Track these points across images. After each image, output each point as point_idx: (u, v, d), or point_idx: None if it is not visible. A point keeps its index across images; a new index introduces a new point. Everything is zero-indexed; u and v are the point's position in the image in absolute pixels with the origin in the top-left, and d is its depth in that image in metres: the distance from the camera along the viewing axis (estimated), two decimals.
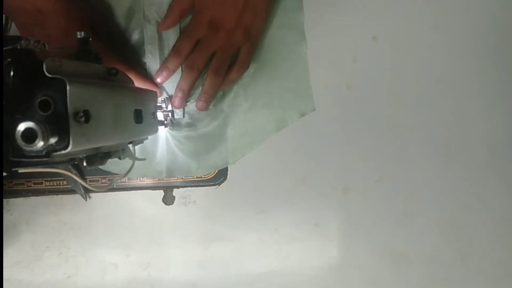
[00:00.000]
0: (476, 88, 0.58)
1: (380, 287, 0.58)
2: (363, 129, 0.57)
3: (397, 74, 0.57)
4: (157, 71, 0.52)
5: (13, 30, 0.52)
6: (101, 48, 0.45)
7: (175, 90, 0.52)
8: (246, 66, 0.53)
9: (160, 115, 0.52)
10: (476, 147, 0.58)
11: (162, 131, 0.54)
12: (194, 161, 0.55)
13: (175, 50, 0.51)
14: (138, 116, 0.40)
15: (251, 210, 0.57)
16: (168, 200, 0.56)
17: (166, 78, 0.51)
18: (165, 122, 0.52)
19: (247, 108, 0.55)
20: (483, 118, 0.58)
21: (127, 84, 0.42)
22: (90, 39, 0.37)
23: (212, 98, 0.53)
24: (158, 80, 0.51)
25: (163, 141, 0.54)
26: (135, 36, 0.53)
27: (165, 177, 0.55)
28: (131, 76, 0.45)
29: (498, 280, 0.59)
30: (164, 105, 0.53)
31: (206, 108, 0.53)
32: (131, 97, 0.40)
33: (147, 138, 0.49)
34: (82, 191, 0.54)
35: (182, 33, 0.51)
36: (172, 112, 0.53)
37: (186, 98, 0.52)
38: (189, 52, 0.51)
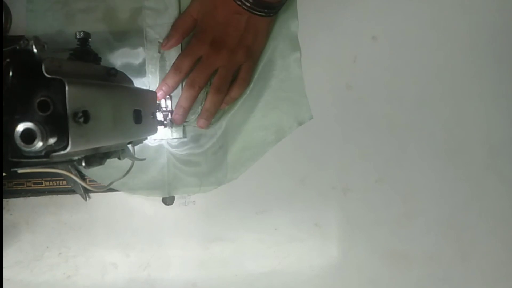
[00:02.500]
0: (476, 88, 0.58)
1: (380, 287, 0.58)
2: (363, 129, 0.57)
3: (397, 74, 0.57)
4: (158, 87, 0.52)
5: (13, 30, 0.52)
6: None
7: (176, 107, 0.52)
8: (247, 83, 0.54)
9: (159, 115, 0.52)
10: (476, 147, 0.58)
11: (163, 149, 0.55)
12: (196, 179, 0.55)
13: (175, 67, 0.51)
14: (138, 116, 0.40)
15: (251, 210, 0.57)
16: (168, 200, 0.56)
17: (166, 94, 0.52)
18: (165, 122, 0.52)
19: (246, 121, 0.55)
20: (483, 118, 0.58)
21: (127, 84, 0.42)
22: (90, 39, 0.37)
23: (213, 115, 0.53)
24: (158, 96, 0.52)
25: (164, 159, 0.55)
26: (136, 56, 0.53)
27: (167, 195, 0.55)
28: None
29: (498, 280, 0.59)
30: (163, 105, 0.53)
31: (207, 125, 0.53)
32: (131, 97, 0.40)
33: (146, 138, 0.49)
34: (82, 191, 0.54)
35: (183, 50, 0.52)
36: (172, 112, 0.53)
37: (186, 115, 0.52)
38: (189, 70, 0.51)
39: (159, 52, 0.52)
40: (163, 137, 0.54)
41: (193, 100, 0.51)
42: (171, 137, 0.54)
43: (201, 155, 0.55)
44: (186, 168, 0.55)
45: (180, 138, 0.54)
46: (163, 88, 0.51)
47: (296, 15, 0.55)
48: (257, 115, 0.55)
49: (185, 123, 0.54)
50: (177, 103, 0.52)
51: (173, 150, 0.55)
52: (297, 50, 0.55)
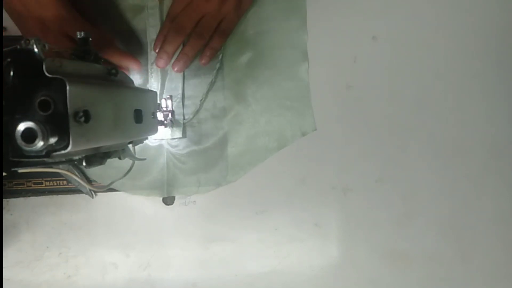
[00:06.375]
0: (476, 88, 0.58)
1: (380, 287, 0.58)
2: (363, 129, 0.57)
3: (397, 74, 0.57)
4: (155, 40, 0.52)
5: (13, 30, 0.52)
6: (82, 22, 0.46)
7: (159, 52, 0.51)
8: (227, 35, 0.53)
9: (160, 115, 0.52)
10: (476, 147, 0.58)
11: (163, 149, 0.55)
12: (196, 179, 0.55)
13: (170, 16, 0.51)
14: (138, 116, 0.40)
15: (251, 210, 0.57)
16: (168, 200, 0.56)
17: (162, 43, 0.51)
18: (165, 122, 0.52)
19: (248, 126, 0.55)
20: (483, 118, 0.58)
21: (127, 84, 0.42)
22: (90, 38, 0.37)
23: (190, 61, 0.52)
24: (156, 50, 0.52)
25: (163, 159, 0.55)
26: (138, 56, 0.54)
27: (166, 195, 0.55)
28: (110, 49, 0.46)
29: (498, 280, 0.59)
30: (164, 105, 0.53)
31: (182, 70, 0.53)
32: (131, 97, 0.40)
33: (147, 138, 0.49)
34: (87, 189, 0.54)
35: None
36: (173, 112, 0.54)
37: (169, 60, 0.51)
38: None
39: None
40: (163, 137, 0.54)
41: (178, 45, 0.51)
42: (171, 137, 0.54)
43: (201, 155, 0.55)
44: (185, 168, 0.55)
45: (180, 138, 0.54)
46: (161, 40, 0.51)
47: (305, 24, 0.55)
48: (261, 121, 0.55)
49: (184, 121, 0.54)
50: (160, 48, 0.51)
51: (173, 150, 0.55)
52: (305, 60, 0.55)
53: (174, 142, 0.55)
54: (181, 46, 0.52)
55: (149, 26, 0.53)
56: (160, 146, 0.55)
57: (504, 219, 0.59)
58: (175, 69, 0.52)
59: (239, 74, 0.55)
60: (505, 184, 0.59)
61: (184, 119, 0.54)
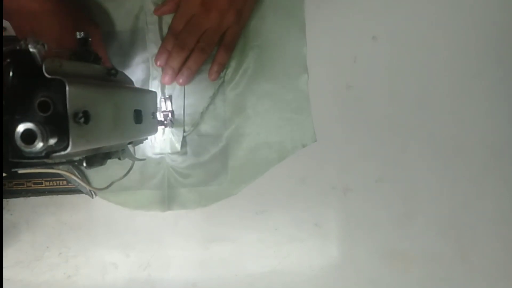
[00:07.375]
0: (476, 88, 0.58)
1: (380, 287, 0.58)
2: (363, 129, 0.57)
3: (397, 74, 0.57)
4: (157, 54, 0.52)
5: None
6: (96, 47, 0.46)
7: (165, 68, 0.51)
8: (232, 48, 0.54)
9: (159, 115, 0.52)
10: (476, 147, 0.58)
11: (163, 163, 0.54)
12: (196, 194, 0.55)
13: (171, 31, 0.51)
14: (138, 117, 0.40)
15: (251, 210, 0.57)
16: None
17: (166, 57, 0.52)
18: (165, 122, 0.52)
19: (249, 139, 0.55)
20: (483, 118, 0.58)
21: (127, 84, 0.42)
22: (90, 39, 0.37)
23: (193, 74, 0.53)
24: (158, 63, 0.52)
25: (163, 172, 0.54)
26: (137, 56, 0.54)
27: (167, 210, 0.55)
28: None
29: (498, 280, 0.59)
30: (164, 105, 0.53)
31: (185, 83, 0.53)
32: (131, 97, 0.40)
33: (146, 139, 0.49)
34: (87, 189, 0.54)
35: (176, 12, 0.52)
36: (172, 112, 0.53)
37: (175, 75, 0.52)
38: None
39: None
40: (163, 151, 0.53)
41: (182, 61, 0.51)
42: (171, 152, 0.53)
43: (201, 168, 0.55)
44: (186, 182, 0.55)
45: (179, 152, 0.54)
46: (163, 55, 0.51)
47: (305, 37, 0.55)
48: (261, 133, 0.55)
49: (184, 134, 0.54)
50: (166, 64, 0.51)
51: (173, 164, 0.55)
52: (305, 72, 0.55)
53: (174, 156, 0.54)
54: None
55: (150, 42, 0.53)
56: (161, 159, 0.54)
57: (504, 219, 0.59)
58: (180, 81, 0.52)
59: (239, 87, 0.55)
60: (505, 184, 0.59)
61: (184, 132, 0.54)
